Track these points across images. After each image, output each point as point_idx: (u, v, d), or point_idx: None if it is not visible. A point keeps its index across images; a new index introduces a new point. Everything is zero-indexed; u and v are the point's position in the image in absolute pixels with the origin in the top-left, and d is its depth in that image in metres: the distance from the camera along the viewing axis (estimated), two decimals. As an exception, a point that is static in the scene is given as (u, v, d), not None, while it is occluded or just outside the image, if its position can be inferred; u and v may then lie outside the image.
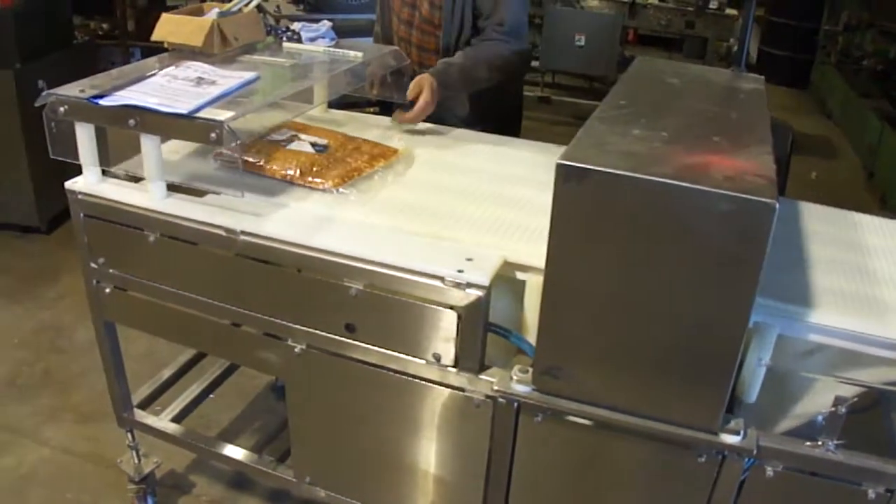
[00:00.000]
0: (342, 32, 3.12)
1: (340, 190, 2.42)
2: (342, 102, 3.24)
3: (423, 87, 2.94)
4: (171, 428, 2.92)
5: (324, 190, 2.43)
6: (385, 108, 3.34)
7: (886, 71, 7.09)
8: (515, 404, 2.04)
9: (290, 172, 2.48)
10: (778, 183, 1.70)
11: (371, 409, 2.33)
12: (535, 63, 7.97)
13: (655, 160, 1.73)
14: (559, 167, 1.69)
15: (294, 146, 2.62)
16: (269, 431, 3.43)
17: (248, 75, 2.50)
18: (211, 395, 3.35)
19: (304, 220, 2.27)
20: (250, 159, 2.51)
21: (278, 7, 5.15)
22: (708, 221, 1.64)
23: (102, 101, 2.25)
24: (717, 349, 1.79)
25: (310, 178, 2.47)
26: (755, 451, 1.92)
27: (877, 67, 7.29)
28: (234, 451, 2.82)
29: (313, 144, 2.64)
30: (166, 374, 3.19)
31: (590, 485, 2.15)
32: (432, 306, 2.06)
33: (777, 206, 1.59)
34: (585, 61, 8.12)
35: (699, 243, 1.68)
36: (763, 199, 1.60)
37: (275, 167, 2.50)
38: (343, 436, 2.44)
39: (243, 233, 2.23)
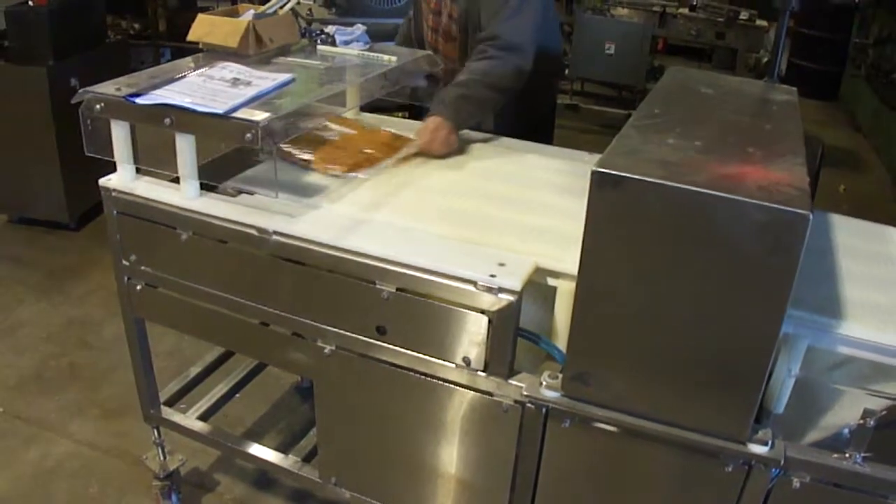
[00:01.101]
0: (373, 37, 3.14)
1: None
2: (371, 107, 3.25)
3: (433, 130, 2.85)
4: (198, 426, 2.94)
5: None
6: (415, 113, 3.35)
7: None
8: (544, 409, 2.04)
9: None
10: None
11: (399, 412, 2.34)
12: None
13: (689, 169, 1.73)
14: (594, 174, 1.70)
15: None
16: (294, 432, 3.46)
17: (284, 77, 2.52)
18: (237, 395, 3.37)
19: (336, 222, 2.28)
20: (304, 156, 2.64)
21: (310, 10, 5.17)
22: (741, 231, 1.65)
23: (139, 100, 2.27)
24: (747, 359, 1.79)
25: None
26: (782, 462, 1.92)
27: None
28: (260, 451, 2.83)
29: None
30: (193, 372, 3.21)
31: (616, 492, 2.15)
32: (464, 310, 2.06)
33: (811, 216, 1.59)
34: (614, 70, 8.10)
35: (732, 253, 1.68)
36: (797, 210, 1.60)
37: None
38: (370, 438, 2.44)
39: (276, 233, 2.24)
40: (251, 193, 2.41)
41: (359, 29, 3.04)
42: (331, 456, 2.56)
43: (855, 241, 2.43)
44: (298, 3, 5.04)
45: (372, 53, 2.98)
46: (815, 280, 2.13)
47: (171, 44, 6.89)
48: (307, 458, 2.74)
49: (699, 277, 1.74)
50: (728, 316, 1.75)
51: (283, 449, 2.96)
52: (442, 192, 2.53)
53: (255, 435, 3.55)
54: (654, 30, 8.43)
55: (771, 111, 2.32)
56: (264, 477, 3.31)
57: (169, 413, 2.95)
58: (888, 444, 2.25)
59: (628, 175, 1.68)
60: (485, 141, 3.02)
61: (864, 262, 2.31)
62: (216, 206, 2.36)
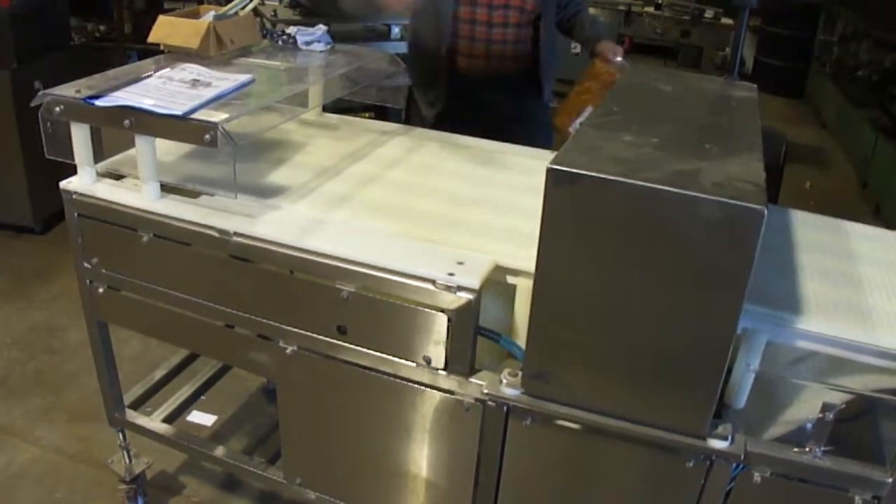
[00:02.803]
0: (338, 38, 3.13)
1: None
2: (337, 108, 3.25)
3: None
4: (162, 428, 2.93)
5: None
6: (380, 114, 3.36)
7: (881, 81, 7.08)
8: (505, 408, 2.05)
9: None
10: (771, 191, 1.72)
11: (362, 411, 2.33)
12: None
13: (645, 166, 1.74)
14: (550, 172, 1.70)
15: None
16: (260, 434, 3.45)
17: (244, 78, 2.51)
18: (203, 397, 3.36)
19: (296, 222, 2.28)
20: None
21: (275, 12, 5.14)
22: (697, 227, 1.65)
23: (98, 102, 2.26)
24: (705, 355, 1.79)
25: None
26: (743, 457, 1.93)
27: (872, 77, 7.26)
28: (225, 453, 2.82)
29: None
30: (158, 374, 3.19)
31: (578, 488, 2.16)
32: (423, 309, 2.07)
33: (765, 212, 1.60)
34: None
35: (688, 249, 1.69)
36: (752, 206, 1.61)
37: None
38: (334, 438, 2.44)
39: (236, 234, 2.24)
40: (211, 195, 2.39)
41: (320, 29, 3.04)
42: (295, 457, 2.56)
43: (815, 236, 2.45)
44: (263, 3, 5.05)
45: (333, 54, 2.97)
46: (774, 275, 2.14)
47: (138, 46, 6.83)
48: (273, 460, 2.72)
49: (656, 274, 1.74)
50: (685, 312, 1.76)
51: (249, 450, 2.95)
52: (402, 192, 2.52)
53: (222, 437, 3.54)
54: (620, 28, 8.44)
55: (730, 108, 2.33)
56: (231, 479, 3.30)
57: (133, 416, 2.94)
58: (850, 439, 2.27)
59: (584, 172, 1.69)
60: (446, 140, 3.02)
61: (823, 256, 2.33)
62: (177, 208, 2.35)
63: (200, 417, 3.61)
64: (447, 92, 3.42)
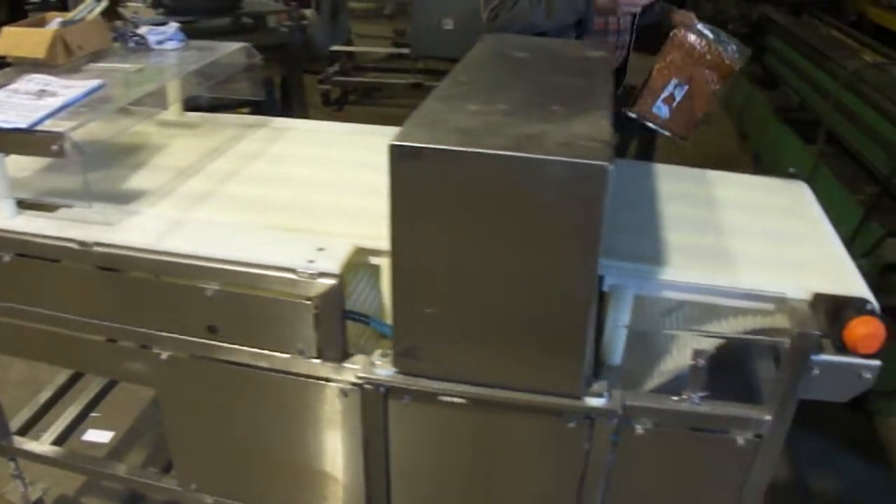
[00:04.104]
0: (203, 35, 3.08)
1: None
2: (213, 106, 3.19)
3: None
4: (54, 451, 2.86)
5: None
6: (258, 108, 3.30)
7: (751, 34, 7.20)
8: (382, 389, 2.03)
9: None
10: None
11: (245, 409, 2.30)
12: (406, 50, 7.96)
13: (490, 133, 1.74)
14: (392, 148, 1.68)
15: None
16: (160, 443, 3.38)
17: (92, 83, 2.45)
18: (97, 414, 3.29)
19: (156, 226, 2.23)
20: None
21: (136, 12, 5.03)
22: (544, 189, 1.66)
23: (-61, 123, 2.18)
24: (568, 315, 1.81)
25: None
26: (621, 412, 1.95)
27: (741, 31, 7.40)
28: (117, 468, 2.77)
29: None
30: (44, 397, 3.12)
31: (470, 462, 2.16)
32: (288, 299, 2.04)
33: (610, 167, 1.60)
34: (455, 45, 7.94)
35: (538, 211, 1.69)
36: (596, 162, 1.61)
37: None
38: (221, 439, 2.41)
39: (97, 244, 2.18)
40: (70, 206, 2.33)
41: (171, 27, 2.97)
42: (186, 463, 2.52)
43: (680, 188, 2.48)
44: (124, 5, 4.95)
45: (186, 52, 2.92)
46: (637, 229, 2.17)
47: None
48: (167, 469, 2.68)
49: (510, 240, 1.74)
50: (543, 275, 1.77)
51: (149, 462, 2.90)
52: (263, 184, 2.49)
53: (120, 452, 3.47)
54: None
55: (583, 69, 2.34)
56: (134, 494, 3.23)
57: (21, 442, 2.86)
58: (734, 383, 2.31)
59: (426, 145, 1.68)
60: (303, 127, 3.01)
61: (688, 207, 2.36)
62: (34, 224, 2.28)
63: (97, 435, 3.53)
64: None
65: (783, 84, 6.33)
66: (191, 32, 3.04)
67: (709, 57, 2.86)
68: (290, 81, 5.72)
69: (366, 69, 8.92)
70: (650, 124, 2.92)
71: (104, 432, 3.58)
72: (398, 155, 1.68)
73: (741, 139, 7.27)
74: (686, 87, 2.88)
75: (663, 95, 2.88)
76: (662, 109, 2.90)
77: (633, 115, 2.90)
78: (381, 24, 10.45)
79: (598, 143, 1.70)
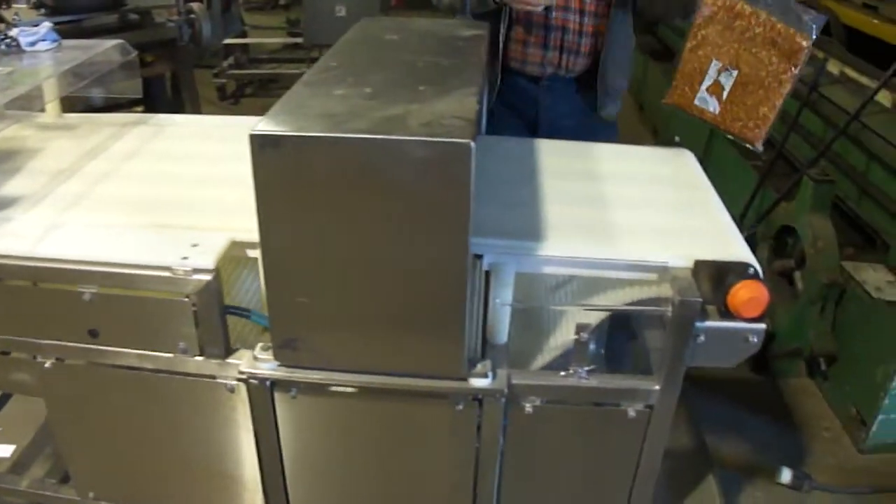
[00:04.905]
0: (88, 33, 3.01)
1: None
2: (110, 105, 3.13)
3: None
4: (-55, 472, 2.78)
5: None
6: (151, 106, 3.24)
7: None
8: (267, 383, 2.00)
9: None
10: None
11: (135, 412, 2.25)
12: (300, 39, 7.88)
13: (353, 117, 1.70)
14: (252, 138, 1.64)
15: None
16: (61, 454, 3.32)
17: (-42, 89, 2.38)
18: (-2, 429, 3.21)
19: (30, 231, 2.16)
20: None
21: (17, 14, 4.89)
22: (408, 170, 1.63)
23: None
24: (444, 296, 1.79)
25: None
26: (507, 391, 1.94)
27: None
28: (18, 482, 2.71)
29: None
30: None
31: (365, 452, 2.15)
32: (166, 298, 2.00)
33: (472, 145, 1.59)
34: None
35: (404, 193, 1.67)
36: (458, 140, 1.59)
37: None
38: (116, 445, 2.35)
39: (-31, 254, 2.12)
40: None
41: (44, 27, 2.90)
42: (81, 472, 2.46)
43: (565, 162, 2.48)
44: (7, 7, 4.82)
45: (59, 52, 2.85)
46: (517, 205, 2.16)
47: None
48: (65, 479, 2.62)
49: (379, 224, 1.72)
50: (415, 257, 1.75)
51: (51, 473, 2.84)
52: (139, 182, 2.43)
53: (23, 465, 3.38)
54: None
55: (455, 47, 2.32)
56: (40, 508, 3.17)
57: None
58: (636, 355, 2.32)
59: (287, 133, 1.64)
60: (177, 123, 2.94)
61: (569, 181, 2.35)
62: None
63: (-2, 450, 3.46)
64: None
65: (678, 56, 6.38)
66: (75, 31, 2.98)
67: (759, 30, 2.20)
68: (180, 77, 5.62)
69: (261, 61, 8.87)
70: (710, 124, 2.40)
71: (5, 447, 3.50)
72: (259, 144, 1.64)
73: (639, 111, 7.34)
74: (735, 73, 2.27)
75: (706, 84, 2.32)
76: (710, 102, 2.34)
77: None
78: (276, 14, 10.39)
79: (461, 120, 1.68)
